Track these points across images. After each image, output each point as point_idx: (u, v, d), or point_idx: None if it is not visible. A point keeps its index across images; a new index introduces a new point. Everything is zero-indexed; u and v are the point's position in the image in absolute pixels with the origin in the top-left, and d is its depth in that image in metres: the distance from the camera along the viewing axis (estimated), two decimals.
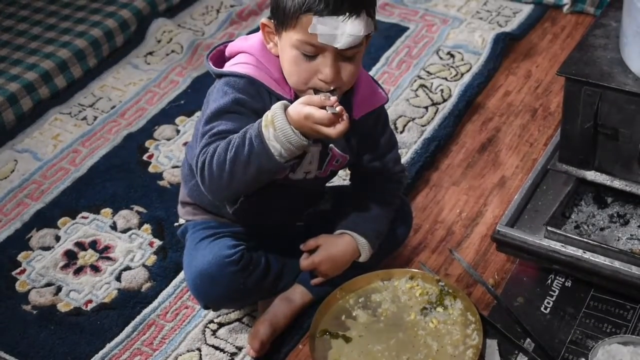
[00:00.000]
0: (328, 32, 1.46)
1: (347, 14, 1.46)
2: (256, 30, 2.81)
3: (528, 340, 1.70)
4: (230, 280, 1.65)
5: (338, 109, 1.45)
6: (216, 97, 1.58)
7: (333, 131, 1.44)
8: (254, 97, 1.57)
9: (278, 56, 1.59)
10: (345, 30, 1.47)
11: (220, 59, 1.67)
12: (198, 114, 2.43)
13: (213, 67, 1.63)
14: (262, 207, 1.70)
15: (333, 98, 1.47)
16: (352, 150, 1.70)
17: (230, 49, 1.66)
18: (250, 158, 1.47)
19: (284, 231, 1.80)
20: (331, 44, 1.48)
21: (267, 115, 1.47)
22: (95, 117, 2.48)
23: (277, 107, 1.47)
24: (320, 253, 1.71)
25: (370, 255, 1.73)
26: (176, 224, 1.86)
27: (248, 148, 1.46)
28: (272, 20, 1.56)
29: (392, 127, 2.31)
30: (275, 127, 1.45)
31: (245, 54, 1.61)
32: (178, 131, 2.39)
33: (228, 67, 1.62)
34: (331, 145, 1.66)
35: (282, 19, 1.51)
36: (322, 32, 1.46)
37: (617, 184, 1.78)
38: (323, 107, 1.44)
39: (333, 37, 1.47)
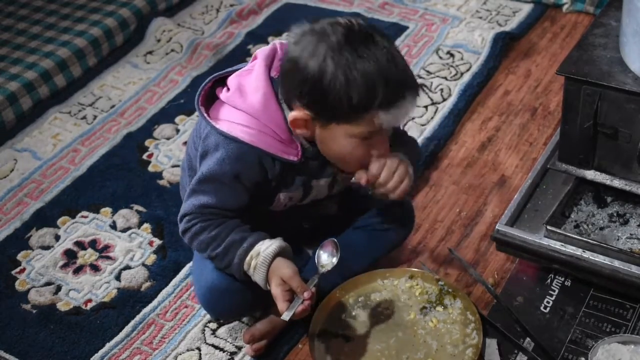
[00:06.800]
0: (393, 119, 1.47)
1: (408, 97, 1.46)
2: (253, 32, 2.82)
3: (528, 339, 1.70)
4: (240, 293, 1.66)
5: (306, 302, 1.52)
6: (214, 160, 1.55)
7: (285, 313, 1.51)
8: (254, 168, 1.55)
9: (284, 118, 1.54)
10: (407, 111, 1.48)
11: (210, 95, 1.61)
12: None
13: (209, 118, 1.56)
14: (272, 223, 1.70)
15: (307, 294, 1.52)
16: None
17: (226, 99, 1.57)
18: (226, 268, 1.61)
19: (290, 234, 1.79)
20: (394, 125, 1.50)
21: (252, 263, 1.56)
22: (95, 117, 2.48)
23: (264, 261, 1.55)
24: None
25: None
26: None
27: (226, 262, 1.59)
28: (312, 114, 1.48)
29: None
30: (254, 275, 1.57)
31: (245, 114, 1.54)
32: (178, 130, 2.39)
33: (227, 122, 1.54)
34: (340, 173, 1.65)
35: (336, 115, 1.46)
36: (388, 122, 1.47)
37: (617, 183, 1.78)
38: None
39: (397, 120, 1.49)
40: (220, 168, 1.54)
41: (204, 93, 1.61)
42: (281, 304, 1.52)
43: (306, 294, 1.51)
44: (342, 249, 1.62)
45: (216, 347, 1.77)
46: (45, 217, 2.13)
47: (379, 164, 1.54)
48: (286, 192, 1.63)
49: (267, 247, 1.55)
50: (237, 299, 1.68)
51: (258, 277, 1.56)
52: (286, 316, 1.50)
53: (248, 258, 1.56)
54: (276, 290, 1.53)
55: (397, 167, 1.55)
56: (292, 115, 1.50)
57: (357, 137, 1.49)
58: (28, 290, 1.93)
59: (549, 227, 1.78)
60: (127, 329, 1.82)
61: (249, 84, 1.55)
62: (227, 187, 1.57)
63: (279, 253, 1.56)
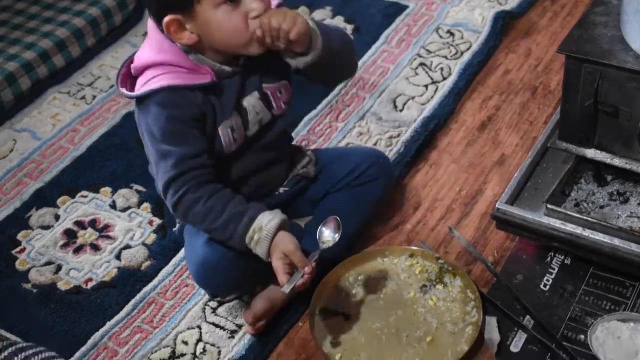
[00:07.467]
0: None
1: None
2: None
3: (527, 317, 1.71)
4: (233, 267, 1.66)
5: (306, 276, 1.55)
6: (150, 123, 1.60)
7: (285, 285, 1.54)
8: (182, 106, 1.59)
9: (188, 44, 1.59)
10: None
11: (130, 78, 1.66)
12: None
13: (129, 92, 1.63)
14: (241, 179, 1.73)
15: (307, 269, 1.55)
16: (283, 71, 1.69)
17: (134, 69, 1.64)
18: (227, 240, 1.62)
19: (268, 199, 1.80)
20: None
21: (254, 237, 1.58)
22: (94, 96, 2.47)
23: (267, 235, 1.57)
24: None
25: (319, 52, 1.61)
26: (174, 229, 1.86)
27: (227, 235, 1.61)
28: (176, 13, 1.55)
29: (392, 105, 2.31)
30: (255, 249, 1.59)
31: (149, 68, 1.61)
32: None
33: (141, 88, 1.61)
34: (263, 85, 1.68)
35: None
36: None
37: (617, 161, 1.77)
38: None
39: None
40: (159, 124, 1.59)
41: (123, 78, 1.65)
42: (282, 277, 1.55)
43: (307, 269, 1.55)
44: (329, 214, 1.64)
45: (216, 326, 1.77)
46: (45, 197, 2.13)
47: (266, 15, 1.56)
48: (224, 123, 1.64)
49: (269, 220, 1.58)
50: (230, 272, 1.68)
51: (260, 251, 1.59)
52: (286, 289, 1.54)
53: (250, 232, 1.58)
54: (277, 264, 1.56)
55: (286, 11, 1.57)
56: (164, 22, 1.56)
57: (222, 2, 1.53)
58: (28, 270, 1.94)
59: (549, 206, 1.78)
60: (128, 307, 1.83)
61: (142, 47, 1.65)
62: (179, 134, 1.60)
63: (281, 226, 1.59)
